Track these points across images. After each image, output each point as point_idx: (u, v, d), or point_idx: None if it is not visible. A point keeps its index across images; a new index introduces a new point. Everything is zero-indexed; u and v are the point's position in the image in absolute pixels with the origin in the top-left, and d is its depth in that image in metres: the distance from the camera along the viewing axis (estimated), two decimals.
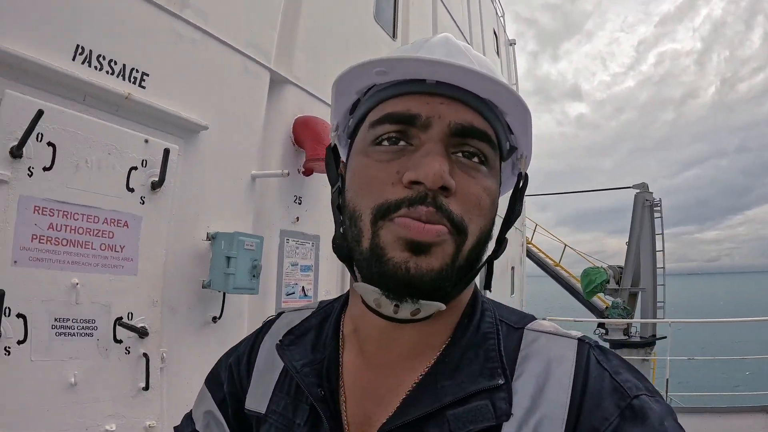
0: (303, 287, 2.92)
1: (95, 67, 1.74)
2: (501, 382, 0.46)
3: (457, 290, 0.48)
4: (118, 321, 1.78)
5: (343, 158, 0.58)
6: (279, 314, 0.67)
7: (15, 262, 1.55)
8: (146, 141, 1.91)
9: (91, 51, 1.71)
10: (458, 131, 0.46)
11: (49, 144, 1.63)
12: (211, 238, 2.27)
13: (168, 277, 2.05)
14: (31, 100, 1.57)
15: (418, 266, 0.43)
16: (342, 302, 0.61)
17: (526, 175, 0.56)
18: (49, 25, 1.61)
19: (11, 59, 1.52)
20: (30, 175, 1.59)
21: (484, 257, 0.51)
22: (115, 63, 1.81)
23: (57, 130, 1.64)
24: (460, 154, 0.47)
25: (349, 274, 0.54)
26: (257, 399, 0.59)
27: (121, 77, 1.84)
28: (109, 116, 1.82)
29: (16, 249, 1.55)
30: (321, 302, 0.65)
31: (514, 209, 0.54)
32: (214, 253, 2.25)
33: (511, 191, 0.58)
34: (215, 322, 2.28)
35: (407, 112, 0.46)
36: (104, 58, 1.77)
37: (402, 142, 0.47)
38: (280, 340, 0.59)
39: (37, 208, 1.60)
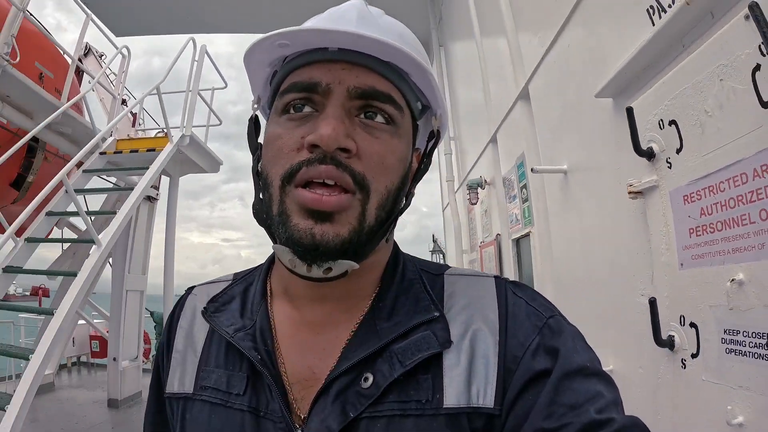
0: None
1: None
2: (437, 314, 0.50)
3: (369, 248, 0.50)
4: None
5: None
6: (187, 291, 0.67)
7: (681, 265, 1.31)
8: (746, 17, 1.05)
9: None
10: (359, 95, 0.48)
11: (671, 123, 1.37)
12: None
13: None
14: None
15: (324, 233, 0.45)
16: (266, 267, 0.63)
17: (438, 132, 0.57)
18: None
19: None
20: (669, 167, 1.38)
21: (395, 213, 0.52)
22: None
23: (670, 106, 1.37)
24: (363, 116, 0.49)
25: None
26: (180, 380, 0.57)
27: None
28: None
29: (680, 250, 1.33)
30: (235, 274, 0.66)
31: (423, 166, 0.57)
32: None
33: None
34: None
35: (309, 80, 0.49)
36: None
37: (307, 108, 0.49)
38: (204, 307, 0.59)
39: (686, 198, 1.32)
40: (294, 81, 0.50)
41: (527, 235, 2.80)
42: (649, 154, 1.45)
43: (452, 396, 0.46)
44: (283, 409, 0.49)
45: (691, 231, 1.30)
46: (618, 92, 1.71)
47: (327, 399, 0.48)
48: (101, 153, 4.84)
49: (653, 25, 1.47)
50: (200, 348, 0.58)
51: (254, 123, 0.57)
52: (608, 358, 1.80)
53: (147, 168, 4.29)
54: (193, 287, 0.66)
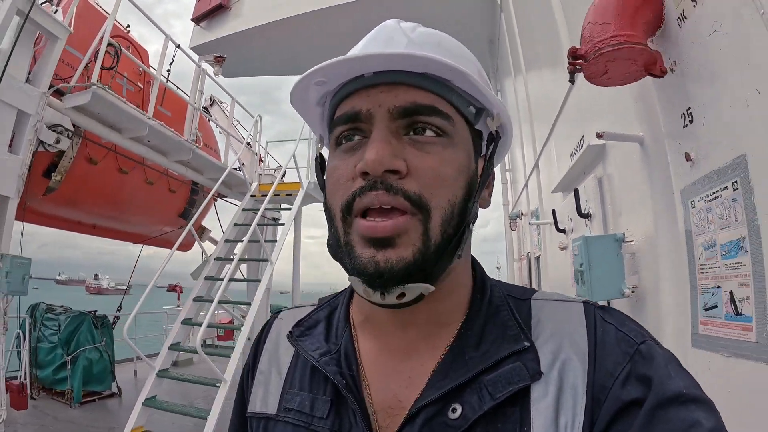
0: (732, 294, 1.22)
1: None
2: (527, 344, 0.49)
3: (440, 268, 0.49)
4: None
5: None
6: (274, 315, 0.69)
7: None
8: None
9: None
10: (401, 113, 0.48)
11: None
12: None
13: None
14: None
15: (387, 259, 0.45)
16: (348, 294, 0.62)
17: (497, 133, 0.55)
18: None
19: None
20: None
21: (464, 226, 0.50)
22: None
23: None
24: (412, 132, 0.48)
25: None
26: (263, 400, 0.58)
27: None
28: None
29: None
30: (320, 299, 0.67)
31: (484, 171, 0.54)
32: None
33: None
34: None
35: (352, 110, 0.49)
36: None
37: (357, 137, 0.50)
38: (290, 331, 0.60)
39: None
40: (339, 114, 0.51)
41: (539, 256, 4.33)
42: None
43: (540, 429, 0.44)
44: None
45: None
46: (561, 190, 3.23)
47: (413, 428, 0.47)
48: (251, 195, 6.77)
49: (571, 160, 2.99)
50: (285, 370, 0.59)
51: (319, 161, 0.58)
52: None
53: (289, 207, 6.41)
54: (279, 311, 0.68)
